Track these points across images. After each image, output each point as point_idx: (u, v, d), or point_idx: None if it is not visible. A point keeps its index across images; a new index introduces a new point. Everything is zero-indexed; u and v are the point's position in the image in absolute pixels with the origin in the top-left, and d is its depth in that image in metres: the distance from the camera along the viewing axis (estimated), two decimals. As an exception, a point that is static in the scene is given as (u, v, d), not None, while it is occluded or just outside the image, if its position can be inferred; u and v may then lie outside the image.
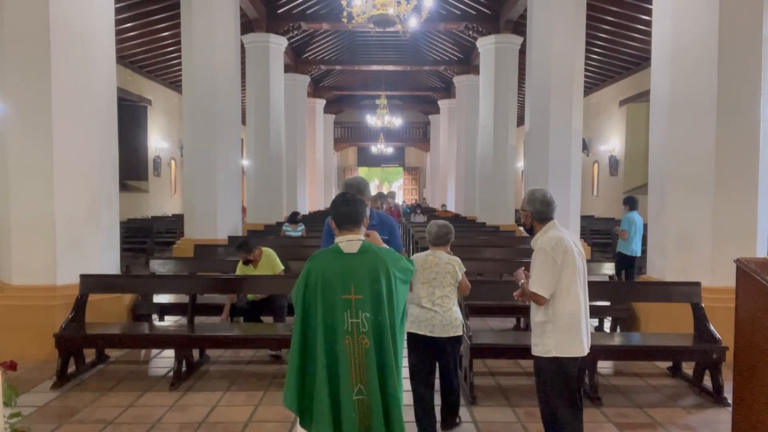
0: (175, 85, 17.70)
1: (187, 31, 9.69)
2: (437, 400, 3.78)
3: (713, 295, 5.09)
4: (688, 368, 4.85)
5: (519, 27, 13.02)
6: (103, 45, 5.79)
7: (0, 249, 5.54)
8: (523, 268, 3.19)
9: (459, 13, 14.16)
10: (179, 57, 11.21)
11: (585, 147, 17.10)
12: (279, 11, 13.96)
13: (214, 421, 3.94)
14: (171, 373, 4.77)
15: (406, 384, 4.03)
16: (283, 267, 5.93)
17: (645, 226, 7.07)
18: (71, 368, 4.80)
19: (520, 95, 14.92)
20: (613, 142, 17.33)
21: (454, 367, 3.74)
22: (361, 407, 2.38)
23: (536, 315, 3.07)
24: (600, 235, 13.49)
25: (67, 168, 5.39)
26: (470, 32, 14.21)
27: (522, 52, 13.05)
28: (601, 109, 18.18)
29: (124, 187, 13.74)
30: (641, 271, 7.77)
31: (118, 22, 7.16)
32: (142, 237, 12.64)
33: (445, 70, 20.13)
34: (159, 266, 6.61)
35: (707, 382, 4.51)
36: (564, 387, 2.98)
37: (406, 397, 4.01)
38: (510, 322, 6.80)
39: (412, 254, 11.30)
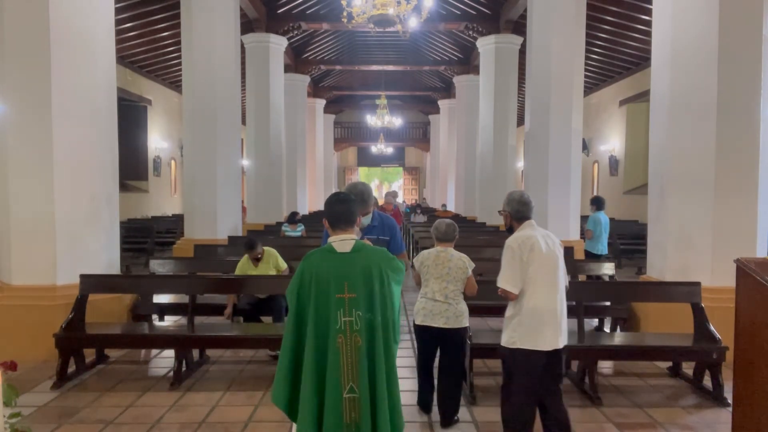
0: (175, 85, 17.70)
1: (187, 31, 9.69)
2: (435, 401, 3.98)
3: (713, 295, 5.09)
4: (688, 368, 4.85)
5: (519, 27, 13.02)
6: (103, 45, 5.79)
7: (0, 249, 5.55)
8: None
9: (459, 13, 14.17)
10: (179, 57, 11.21)
11: (585, 147, 17.09)
12: (279, 11, 13.97)
13: (214, 421, 3.94)
14: (171, 373, 4.77)
15: (404, 384, 4.06)
16: (286, 266, 5.95)
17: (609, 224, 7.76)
18: (71, 368, 4.80)
19: (520, 95, 14.92)
20: (613, 142, 17.33)
21: (464, 356, 3.95)
22: (352, 405, 2.39)
23: (507, 310, 3.23)
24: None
25: (67, 168, 5.39)
26: (470, 32, 14.22)
27: (522, 52, 13.05)
28: (601, 109, 18.18)
29: (124, 187, 13.74)
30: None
31: (118, 22, 7.16)
32: (142, 237, 12.64)
33: (445, 70, 20.13)
34: (159, 266, 6.61)
35: (707, 382, 4.51)
36: (526, 380, 3.09)
37: (405, 397, 4.01)
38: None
39: (413, 254, 11.30)
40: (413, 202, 27.21)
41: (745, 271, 2.87)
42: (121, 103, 6.94)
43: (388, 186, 36.71)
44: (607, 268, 6.53)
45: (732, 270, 3.01)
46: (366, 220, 3.41)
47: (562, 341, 3.16)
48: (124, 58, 14.44)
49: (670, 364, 5.04)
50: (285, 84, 14.74)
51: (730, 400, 3.54)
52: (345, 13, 9.01)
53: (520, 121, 16.89)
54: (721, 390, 4.32)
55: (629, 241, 12.29)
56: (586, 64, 10.87)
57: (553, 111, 9.55)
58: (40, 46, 5.25)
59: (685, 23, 5.66)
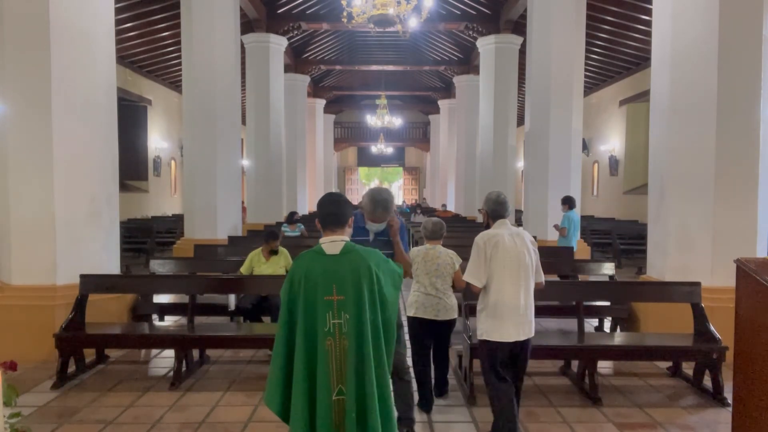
0: (175, 85, 17.71)
1: (187, 31, 9.69)
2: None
3: (713, 295, 5.09)
4: (688, 368, 4.85)
5: (519, 27, 13.02)
6: (103, 45, 5.79)
7: (0, 249, 5.55)
8: None
9: (459, 13, 14.17)
10: (179, 57, 11.21)
11: (585, 147, 17.10)
12: (279, 11, 13.97)
13: (214, 421, 3.94)
14: (171, 373, 4.77)
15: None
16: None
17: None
18: (71, 368, 4.80)
19: (520, 95, 14.92)
20: (613, 142, 17.34)
21: (449, 343, 4.44)
22: (340, 407, 2.39)
23: (478, 304, 3.48)
24: (600, 235, 13.49)
25: (67, 168, 5.39)
26: (470, 32, 14.22)
27: (522, 52, 13.05)
28: (601, 109, 18.18)
29: (124, 187, 13.74)
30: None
31: (118, 22, 7.16)
32: (142, 237, 12.64)
33: (445, 70, 20.13)
34: (159, 266, 6.60)
35: (707, 382, 4.51)
36: (491, 367, 3.38)
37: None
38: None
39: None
40: (413, 202, 27.22)
41: (745, 271, 2.87)
42: (121, 103, 6.94)
43: (388, 186, 36.74)
44: (607, 268, 6.53)
45: (732, 270, 3.01)
46: (381, 226, 3.42)
47: (524, 334, 3.35)
48: (124, 58, 14.45)
49: (670, 364, 5.04)
50: (285, 84, 14.75)
51: (730, 400, 3.54)
52: (345, 13, 9.01)
53: (520, 121, 16.89)
54: (721, 390, 4.32)
55: (629, 241, 12.29)
56: (586, 64, 10.89)
57: (553, 111, 9.55)
58: (41, 46, 5.25)
59: (685, 23, 5.66)
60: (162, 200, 18.68)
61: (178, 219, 13.89)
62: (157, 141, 18.01)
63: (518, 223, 14.14)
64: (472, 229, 11.70)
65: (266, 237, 5.97)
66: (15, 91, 5.32)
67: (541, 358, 4.98)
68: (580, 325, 4.86)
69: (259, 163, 13.30)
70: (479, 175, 14.45)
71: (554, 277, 7.08)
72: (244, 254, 6.25)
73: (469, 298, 4.89)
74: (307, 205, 20.63)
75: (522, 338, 3.34)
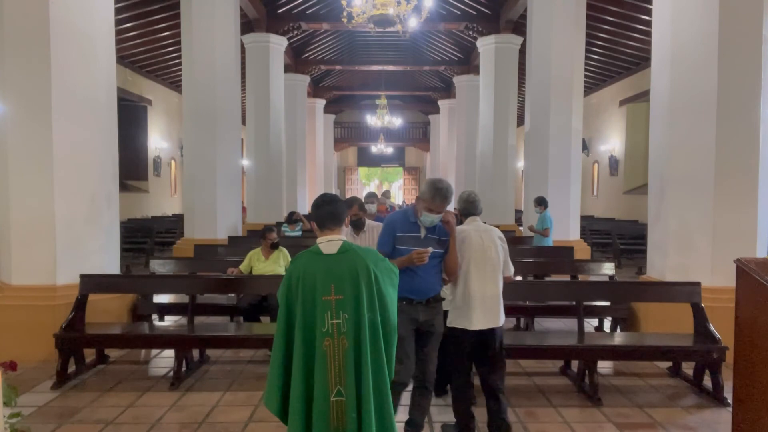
0: (175, 85, 17.71)
1: (187, 31, 9.70)
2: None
3: (713, 295, 5.09)
4: (688, 368, 4.85)
5: (519, 27, 13.02)
6: (103, 45, 5.79)
7: (0, 249, 5.55)
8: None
9: (459, 13, 14.17)
10: (179, 57, 11.22)
11: (585, 147, 17.10)
12: (279, 11, 13.97)
13: (214, 421, 3.94)
14: (171, 373, 4.77)
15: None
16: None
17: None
18: (71, 368, 4.80)
19: (520, 95, 14.92)
20: (613, 142, 17.34)
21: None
22: (338, 408, 2.39)
23: (448, 295, 3.68)
24: (600, 235, 13.49)
25: (67, 168, 5.39)
26: (470, 32, 14.22)
27: (522, 52, 13.05)
28: (601, 109, 18.18)
29: (124, 187, 13.75)
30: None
31: (118, 22, 7.16)
32: (142, 237, 12.64)
33: (445, 70, 20.12)
34: (159, 266, 6.61)
35: (707, 382, 4.51)
36: (456, 352, 3.59)
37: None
38: (510, 322, 6.80)
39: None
40: (413, 202, 27.19)
41: (745, 271, 2.87)
42: (121, 103, 6.94)
43: (388, 186, 36.72)
44: (607, 268, 6.53)
45: (732, 270, 3.01)
46: (435, 220, 3.33)
47: (490, 323, 3.54)
48: (124, 58, 14.45)
49: (670, 364, 5.04)
50: (285, 84, 14.74)
51: (730, 400, 3.54)
52: (345, 13, 9.01)
53: (520, 121, 16.89)
54: (721, 390, 4.31)
55: (629, 241, 12.29)
56: (586, 64, 10.88)
57: (553, 111, 9.55)
58: (40, 46, 5.25)
59: (684, 23, 5.66)
60: (162, 200, 18.68)
61: (178, 219, 13.89)
62: (157, 141, 18.01)
63: (518, 223, 14.14)
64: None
65: (263, 233, 6.04)
66: (15, 91, 5.32)
67: (541, 358, 5.00)
68: (580, 325, 4.86)
69: (259, 163, 13.30)
70: (479, 175, 14.45)
71: (555, 277, 7.09)
72: (244, 254, 6.25)
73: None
74: (307, 205, 20.62)
75: (488, 326, 3.53)
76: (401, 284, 3.10)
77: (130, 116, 15.83)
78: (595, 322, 6.53)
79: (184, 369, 4.78)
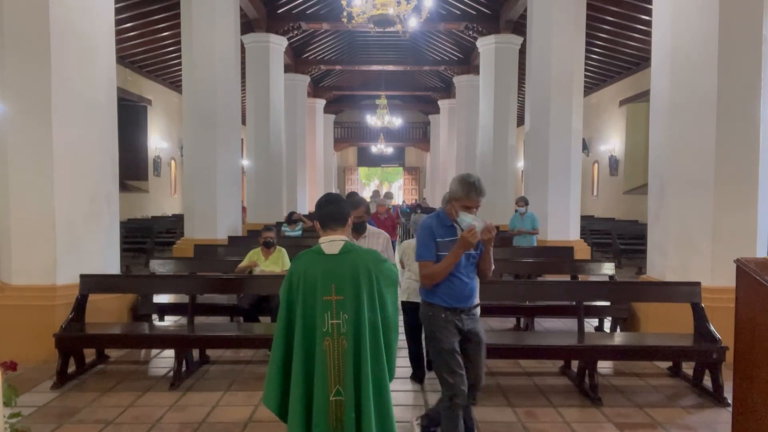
0: (175, 85, 17.71)
1: (187, 31, 9.70)
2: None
3: (713, 295, 5.09)
4: (688, 368, 4.85)
5: (519, 27, 13.02)
6: (103, 45, 5.79)
7: (0, 249, 5.55)
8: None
9: (459, 13, 14.17)
10: (179, 57, 11.22)
11: (585, 147, 17.10)
12: (279, 11, 13.97)
13: (214, 421, 3.94)
14: (171, 373, 4.77)
15: (395, 384, 4.10)
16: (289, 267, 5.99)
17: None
18: (71, 368, 4.80)
19: (520, 95, 14.92)
20: (613, 142, 17.34)
21: None
22: (337, 408, 2.39)
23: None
24: (600, 235, 13.49)
25: (67, 168, 5.39)
26: (470, 32, 14.22)
27: (522, 52, 13.05)
28: (601, 109, 18.18)
29: (124, 187, 13.75)
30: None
31: (118, 22, 7.17)
32: (142, 237, 12.64)
33: (445, 70, 20.13)
34: (159, 266, 6.60)
35: (707, 382, 4.51)
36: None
37: (395, 397, 4.01)
38: (510, 322, 6.80)
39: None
40: (413, 202, 27.23)
41: (745, 271, 2.87)
42: (121, 103, 6.94)
43: (387, 186, 36.70)
44: (607, 268, 6.53)
45: (732, 270, 3.01)
46: (478, 221, 3.09)
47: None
48: (124, 58, 14.45)
49: (670, 364, 5.04)
50: (285, 84, 14.74)
51: (730, 400, 3.54)
52: (345, 13, 9.02)
53: (520, 121, 16.89)
54: (721, 390, 4.31)
55: (629, 241, 12.29)
56: (586, 64, 10.89)
57: (553, 111, 9.56)
58: (40, 46, 5.25)
59: (684, 23, 5.66)
60: (162, 200, 18.68)
61: (178, 219, 13.89)
62: (157, 141, 18.01)
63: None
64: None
65: (262, 233, 6.05)
66: (15, 91, 5.32)
67: (541, 358, 5.00)
68: (580, 325, 4.86)
69: (259, 163, 13.30)
70: (479, 175, 14.38)
71: (555, 277, 7.09)
72: (243, 254, 6.25)
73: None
74: (307, 205, 20.63)
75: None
76: (441, 292, 3.06)
77: (130, 116, 15.83)
78: (595, 322, 6.53)
79: (184, 369, 4.77)
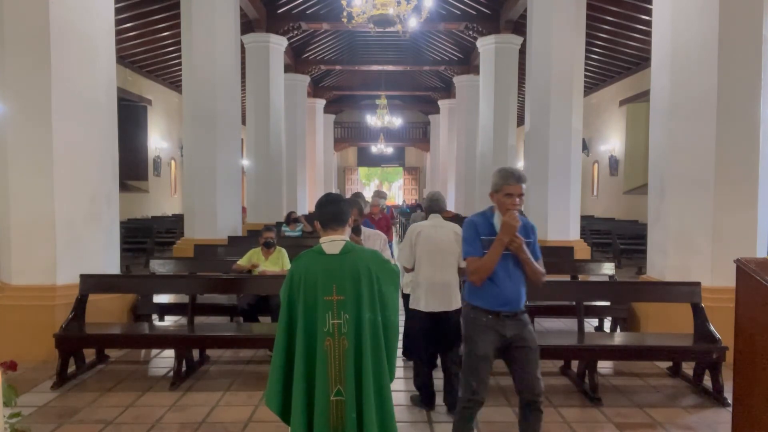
0: (175, 85, 17.70)
1: (187, 31, 9.69)
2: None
3: (713, 295, 5.09)
4: (688, 368, 4.85)
5: (519, 27, 13.02)
6: (103, 45, 5.79)
7: (0, 249, 5.54)
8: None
9: (459, 13, 14.17)
10: (179, 57, 11.21)
11: (585, 147, 17.10)
12: (279, 11, 13.97)
13: (214, 421, 3.94)
14: (171, 373, 4.77)
15: (395, 384, 4.10)
16: (289, 267, 5.99)
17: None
18: (71, 368, 4.80)
19: (520, 95, 14.92)
20: (613, 142, 17.34)
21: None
22: (338, 408, 2.39)
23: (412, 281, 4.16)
24: (600, 235, 13.49)
25: (67, 168, 5.39)
26: (470, 32, 14.22)
27: (522, 52, 13.05)
28: (601, 109, 18.18)
29: (124, 187, 13.74)
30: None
31: (118, 22, 7.16)
32: (142, 237, 12.64)
33: (445, 70, 20.13)
34: (159, 266, 6.60)
35: (707, 382, 4.51)
36: (416, 328, 4.20)
37: (396, 397, 4.00)
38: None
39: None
40: (413, 202, 27.23)
41: (745, 271, 2.87)
42: (121, 103, 6.94)
43: (388, 186, 36.72)
44: (607, 268, 6.53)
45: (732, 270, 3.01)
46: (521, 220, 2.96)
47: (443, 306, 4.02)
48: (124, 58, 14.44)
49: (670, 364, 5.04)
50: (285, 84, 14.73)
51: (730, 400, 3.54)
52: (345, 13, 9.01)
53: (520, 121, 16.89)
54: (721, 390, 4.32)
55: (629, 241, 12.29)
56: (586, 64, 10.88)
57: (553, 111, 9.54)
58: (40, 46, 5.25)
59: (684, 23, 5.66)
60: (162, 200, 18.68)
61: (178, 219, 13.89)
62: (157, 141, 18.00)
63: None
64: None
65: (262, 233, 6.04)
66: (15, 91, 5.32)
67: (542, 358, 4.96)
68: (580, 325, 4.86)
69: (259, 163, 13.30)
70: (479, 175, 14.44)
71: (555, 277, 7.09)
72: (244, 255, 6.25)
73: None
74: (307, 205, 20.64)
75: (441, 309, 4.02)
76: (486, 294, 2.96)
77: (130, 116, 15.82)
78: (595, 322, 6.53)
79: (184, 369, 4.77)
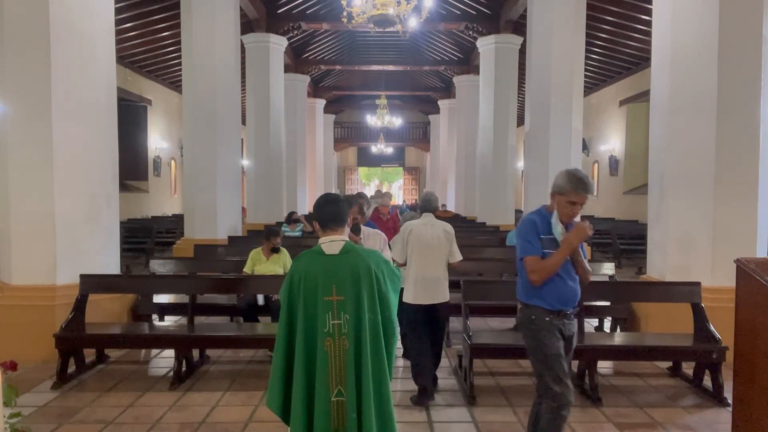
0: (175, 85, 17.70)
1: (187, 31, 9.69)
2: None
3: (713, 295, 5.09)
4: (688, 368, 4.85)
5: (519, 27, 13.01)
6: (104, 45, 5.79)
7: (0, 249, 5.55)
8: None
9: (459, 13, 14.17)
10: (179, 57, 11.21)
11: (585, 147, 17.09)
12: (279, 11, 13.97)
13: (214, 421, 3.94)
14: (171, 373, 4.77)
15: (395, 384, 4.10)
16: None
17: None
18: (71, 368, 4.80)
19: (520, 95, 14.92)
20: (613, 142, 17.34)
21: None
22: (338, 409, 2.38)
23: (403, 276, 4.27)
24: (600, 235, 13.48)
25: (67, 168, 5.39)
26: (470, 32, 14.22)
27: (522, 52, 13.04)
28: (601, 109, 18.18)
29: (124, 187, 13.74)
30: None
31: (118, 22, 7.16)
32: (142, 237, 12.64)
33: (445, 70, 20.12)
34: (159, 266, 6.61)
35: (707, 382, 4.51)
36: (408, 320, 4.43)
37: (395, 397, 4.00)
38: (510, 322, 6.79)
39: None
40: (413, 202, 27.23)
41: (745, 271, 2.87)
42: (121, 103, 6.94)
43: (388, 186, 36.69)
44: (607, 268, 6.53)
45: (732, 270, 3.02)
46: (574, 221, 2.94)
47: (432, 299, 4.32)
48: (124, 58, 14.44)
49: (670, 364, 5.04)
50: (285, 84, 14.73)
51: (730, 400, 3.54)
52: (345, 13, 9.01)
53: (520, 121, 16.88)
54: (721, 390, 4.32)
55: (629, 241, 12.28)
56: (586, 64, 10.88)
57: (553, 111, 9.55)
58: (41, 46, 5.25)
59: (684, 23, 5.66)
60: (162, 200, 18.67)
61: (178, 219, 13.88)
62: (157, 141, 18.00)
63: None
64: (472, 229, 11.70)
65: (267, 234, 6.00)
66: (15, 91, 5.32)
67: (541, 358, 4.99)
68: (580, 325, 4.86)
69: (259, 163, 13.30)
70: (479, 175, 14.45)
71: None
72: (243, 254, 6.25)
73: (468, 298, 4.91)
74: (307, 205, 20.63)
75: (430, 302, 4.31)
76: (546, 294, 2.92)
77: (130, 116, 15.81)
78: (595, 322, 6.53)
79: (184, 369, 4.77)
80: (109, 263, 5.90)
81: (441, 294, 4.36)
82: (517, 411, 4.13)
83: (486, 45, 13.89)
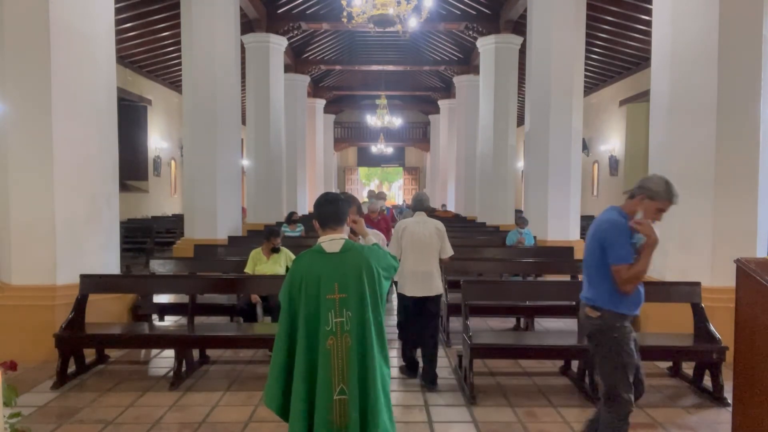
0: (175, 85, 17.70)
1: (187, 31, 9.70)
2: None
3: (713, 295, 5.09)
4: (688, 368, 4.85)
5: (519, 27, 13.02)
6: (103, 45, 5.79)
7: (0, 249, 5.55)
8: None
9: (459, 13, 14.17)
10: (179, 57, 11.22)
11: (585, 147, 17.09)
12: (279, 11, 13.97)
13: (214, 421, 3.94)
14: (171, 373, 4.78)
15: (394, 384, 4.10)
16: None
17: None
18: (71, 368, 4.80)
19: (520, 95, 14.92)
20: (613, 142, 17.34)
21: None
22: (341, 407, 2.38)
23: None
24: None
25: (67, 168, 5.39)
26: (470, 32, 14.22)
27: (522, 52, 13.05)
28: (601, 109, 18.18)
29: (124, 187, 13.74)
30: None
31: (118, 22, 7.16)
32: (142, 237, 12.64)
33: (445, 70, 20.12)
34: (159, 266, 6.60)
35: (707, 382, 4.51)
36: (404, 311, 4.89)
37: (395, 397, 4.01)
38: (510, 322, 6.80)
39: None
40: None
41: (745, 271, 2.87)
42: (121, 103, 6.94)
43: (387, 186, 36.70)
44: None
45: (732, 270, 3.02)
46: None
47: (424, 292, 4.66)
48: (124, 58, 14.44)
49: (670, 364, 5.04)
50: (285, 84, 14.73)
51: (730, 400, 3.54)
52: (345, 13, 9.01)
53: (520, 121, 16.89)
54: (721, 390, 4.32)
55: (629, 241, 12.24)
56: (586, 64, 10.88)
57: (553, 111, 9.55)
58: (40, 46, 5.25)
59: (684, 23, 5.66)
60: (162, 200, 18.67)
61: (178, 219, 13.89)
62: (157, 141, 18.00)
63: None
64: (472, 230, 11.71)
65: (267, 234, 6.00)
66: (15, 91, 5.32)
67: (542, 358, 5.00)
68: (581, 325, 4.85)
69: (259, 163, 13.30)
70: (479, 175, 14.45)
71: (556, 277, 7.09)
72: (243, 254, 6.24)
73: (468, 298, 4.91)
74: (307, 205, 20.63)
75: (421, 294, 4.66)
76: (630, 300, 2.88)
77: (130, 116, 15.81)
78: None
79: (184, 369, 4.77)
80: (109, 263, 5.90)
81: (434, 287, 4.70)
82: (517, 411, 4.13)
83: (486, 45, 13.89)
